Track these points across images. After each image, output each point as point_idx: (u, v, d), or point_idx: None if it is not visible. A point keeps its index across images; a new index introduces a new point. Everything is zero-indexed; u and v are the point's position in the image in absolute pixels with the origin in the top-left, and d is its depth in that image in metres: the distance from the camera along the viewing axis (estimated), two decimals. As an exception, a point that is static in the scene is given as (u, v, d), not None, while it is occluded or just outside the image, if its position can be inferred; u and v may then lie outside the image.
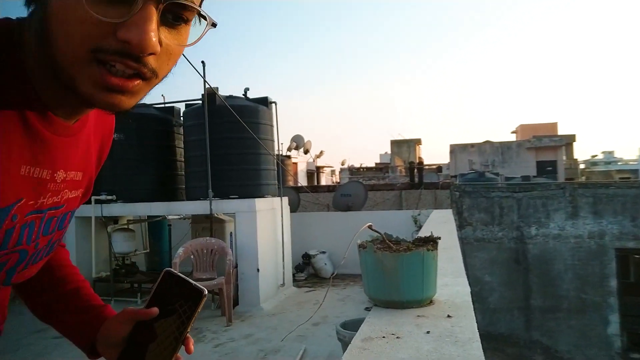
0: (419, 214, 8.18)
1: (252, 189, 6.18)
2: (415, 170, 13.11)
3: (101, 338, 0.79)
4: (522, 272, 8.76)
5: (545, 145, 27.09)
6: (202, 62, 5.92)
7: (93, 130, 0.77)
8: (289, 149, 17.70)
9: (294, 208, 8.39)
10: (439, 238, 1.76)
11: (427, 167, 21.21)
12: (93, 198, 6.14)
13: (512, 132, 38.62)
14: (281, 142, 10.54)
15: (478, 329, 1.48)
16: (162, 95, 7.30)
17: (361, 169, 31.71)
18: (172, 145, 6.90)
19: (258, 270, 5.71)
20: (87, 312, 0.83)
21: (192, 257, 5.62)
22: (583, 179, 26.87)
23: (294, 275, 7.38)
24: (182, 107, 6.83)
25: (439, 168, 27.06)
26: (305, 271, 7.91)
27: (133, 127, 6.42)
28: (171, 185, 6.83)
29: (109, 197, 6.26)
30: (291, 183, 13.39)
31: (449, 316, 1.57)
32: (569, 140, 29.68)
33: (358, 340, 1.39)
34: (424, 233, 2.93)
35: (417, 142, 34.93)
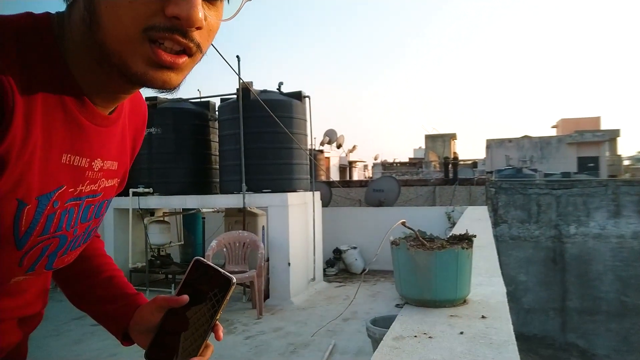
0: (452, 211, 8.04)
1: (284, 183, 6.22)
2: (450, 165, 12.88)
3: (134, 325, 0.81)
4: (559, 272, 8.48)
5: (588, 141, 26.07)
6: (237, 56, 5.98)
7: (127, 122, 0.79)
8: (322, 144, 17.70)
9: (325, 203, 8.39)
10: (474, 236, 1.71)
11: (462, 162, 20.82)
12: (131, 190, 6.32)
13: (553, 127, 37.35)
14: (314, 136, 10.56)
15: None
16: (198, 90, 7.44)
17: (394, 164, 31.40)
18: (207, 139, 7.02)
19: (289, 264, 5.75)
20: (120, 300, 0.85)
21: (224, 249, 5.71)
22: (627, 175, 25.74)
23: (324, 270, 7.39)
24: (217, 101, 6.93)
25: (474, 164, 26.51)
26: (336, 266, 7.91)
27: (170, 122, 6.56)
28: (205, 178, 6.95)
29: (146, 190, 6.43)
30: (323, 178, 13.40)
31: (483, 317, 1.53)
32: (613, 135, 28.46)
33: (389, 339, 1.37)
34: (458, 230, 2.87)
35: (452, 136, 34.30)
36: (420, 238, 1.68)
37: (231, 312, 5.42)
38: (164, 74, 0.60)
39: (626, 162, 33.59)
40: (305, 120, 6.68)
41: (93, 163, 0.69)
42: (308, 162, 6.72)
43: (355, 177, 25.27)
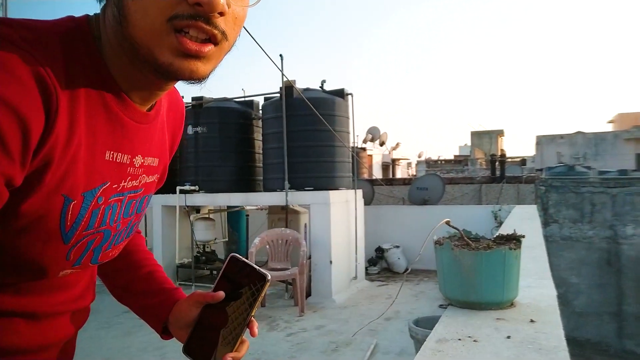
0: (499, 210, 7.79)
1: (327, 181, 6.23)
2: (497, 162, 12.49)
3: (172, 319, 0.83)
4: (615, 274, 8.06)
5: (647, 136, 24.58)
6: (280, 55, 6.03)
7: (166, 119, 0.81)
8: (365, 141, 17.61)
9: (368, 201, 8.34)
10: (523, 236, 1.65)
11: (509, 159, 20.16)
12: (178, 188, 6.52)
13: (609, 122, 35.46)
14: (357, 134, 10.52)
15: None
16: (242, 89, 7.61)
17: (439, 162, 30.84)
18: (251, 138, 7.13)
19: (331, 262, 5.75)
20: (159, 295, 0.87)
21: (267, 247, 5.78)
22: (691, 173, 24.12)
23: (366, 268, 7.34)
24: (261, 100, 7.01)
25: (522, 161, 25.59)
26: (378, 265, 7.84)
27: (215, 121, 6.71)
28: (249, 176, 7.06)
29: (192, 188, 6.61)
30: (366, 175, 13.32)
31: (532, 321, 1.47)
32: (675, 130, 26.71)
33: (432, 342, 1.34)
34: (505, 230, 2.77)
35: (500, 133, 33.27)
36: (465, 238, 1.63)
37: (273, 308, 5.48)
38: (191, 63, 0.60)
39: (690, 159, 31.46)
40: (348, 117, 6.66)
41: (134, 159, 0.71)
42: (350, 160, 6.70)
43: (399, 175, 24.98)
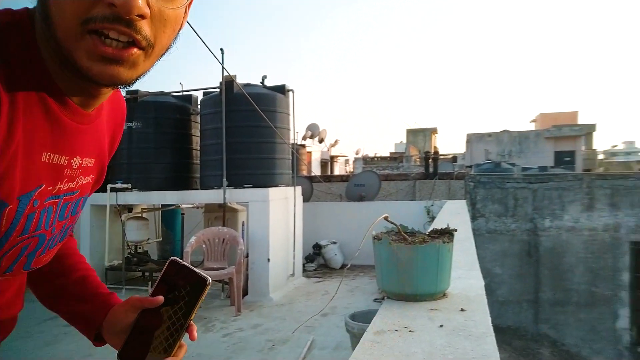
0: (432, 205, 8.12)
1: (266, 178, 6.19)
2: (430, 160, 12.99)
3: (107, 325, 0.80)
4: (533, 264, 8.67)
5: (565, 135, 26.58)
6: (221, 49, 5.89)
7: (106, 118, 0.78)
8: (304, 138, 17.67)
9: (306, 198, 8.39)
10: (455, 230, 1.73)
11: (442, 156, 21.02)
12: (109, 186, 6.21)
13: (532, 121, 37.96)
14: (296, 130, 10.51)
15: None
16: (180, 83, 7.34)
17: (375, 159, 31.55)
18: (189, 134, 6.93)
19: (269, 260, 5.73)
20: (93, 300, 0.84)
21: (203, 246, 5.66)
22: (601, 169, 26.39)
23: (303, 265, 7.39)
24: (199, 95, 6.83)
25: (454, 158, 26.81)
26: (315, 261, 7.92)
27: (151, 116, 6.46)
28: (186, 173, 6.87)
29: (125, 186, 6.32)
30: (305, 172, 13.38)
31: (462, 310, 1.55)
32: (589, 129, 29.09)
33: (370, 334, 1.38)
34: (437, 224, 2.90)
35: (433, 131, 34.60)
36: (402, 232, 1.69)
37: (209, 309, 5.37)
38: (112, 68, 0.57)
39: (601, 157, 34.46)
40: (289, 114, 6.63)
41: (72, 161, 0.69)
42: (290, 156, 6.69)
43: (337, 172, 25.31)
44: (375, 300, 5.53)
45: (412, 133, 33.92)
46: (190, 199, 6.69)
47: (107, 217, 6.28)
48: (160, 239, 7.44)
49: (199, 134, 6.75)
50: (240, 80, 6.23)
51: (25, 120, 0.59)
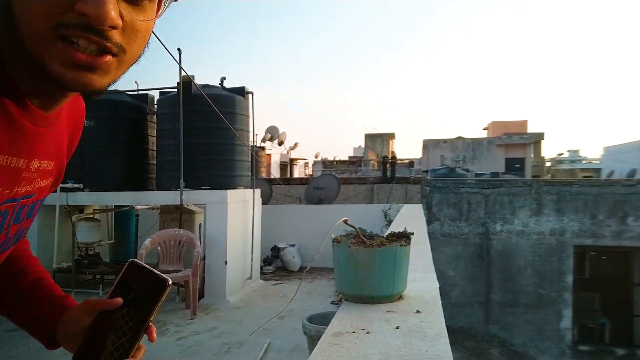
0: (389, 209, 8.27)
1: (224, 180, 6.11)
2: (388, 164, 13.22)
3: (62, 328, 0.78)
4: (485, 267, 8.99)
5: (515, 143, 27.69)
6: (179, 49, 5.78)
7: (65, 119, 0.76)
8: (264, 140, 17.59)
9: (265, 200, 8.34)
10: (412, 233, 1.77)
11: (399, 161, 21.43)
12: (59, 186, 5.95)
13: (484, 129, 39.29)
14: (256, 132, 10.44)
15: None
16: (136, 82, 7.12)
17: (334, 162, 31.77)
18: (144, 134, 6.74)
19: (226, 262, 5.66)
20: (48, 303, 0.81)
21: (158, 248, 5.52)
22: (548, 176, 27.67)
23: (261, 268, 7.35)
24: (156, 94, 6.67)
25: (411, 163, 27.36)
26: (273, 264, 7.89)
27: (105, 114, 6.24)
28: (141, 174, 6.68)
29: (76, 186, 6.08)
30: (264, 175, 13.31)
31: (418, 311, 1.59)
32: (538, 138, 30.45)
33: (328, 335, 1.39)
34: (394, 228, 2.95)
35: (391, 136, 35.18)
36: (361, 235, 1.72)
37: (163, 313, 5.24)
38: (84, 75, 0.56)
39: (548, 164, 36.10)
40: (248, 116, 6.59)
41: (30, 164, 0.67)
42: (249, 158, 6.64)
43: (296, 175, 25.31)
44: (332, 302, 5.56)
45: (370, 138, 34.38)
46: (146, 200, 6.51)
47: (57, 218, 6.02)
48: (113, 241, 7.21)
49: (155, 134, 6.59)
50: (199, 81, 6.13)
51: None
